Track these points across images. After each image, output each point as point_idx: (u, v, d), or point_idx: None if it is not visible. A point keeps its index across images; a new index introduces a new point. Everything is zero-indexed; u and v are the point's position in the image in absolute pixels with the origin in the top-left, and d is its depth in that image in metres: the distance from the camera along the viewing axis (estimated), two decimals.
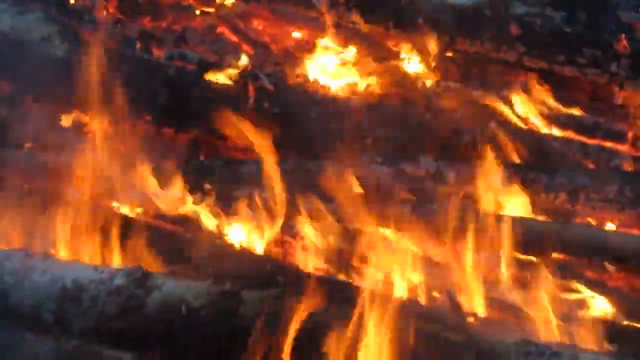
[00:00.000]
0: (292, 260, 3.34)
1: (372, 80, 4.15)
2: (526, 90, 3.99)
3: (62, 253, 3.00)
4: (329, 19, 4.29)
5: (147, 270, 2.82)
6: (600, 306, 3.25)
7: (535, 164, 3.72)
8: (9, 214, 3.12)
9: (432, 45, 4.12)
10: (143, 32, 4.47)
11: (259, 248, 3.32)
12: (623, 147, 3.82)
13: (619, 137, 3.85)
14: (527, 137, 3.84)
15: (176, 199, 3.46)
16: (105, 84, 3.76)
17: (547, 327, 2.96)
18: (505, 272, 3.18)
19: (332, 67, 4.26)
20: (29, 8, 4.18)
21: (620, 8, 3.97)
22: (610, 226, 3.58)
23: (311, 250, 3.35)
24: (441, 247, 3.15)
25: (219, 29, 4.51)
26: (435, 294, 3.07)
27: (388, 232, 3.34)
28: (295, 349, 2.58)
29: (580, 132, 3.89)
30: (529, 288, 3.18)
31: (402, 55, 4.21)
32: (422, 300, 2.98)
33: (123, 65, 3.96)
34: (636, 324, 3.18)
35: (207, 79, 3.96)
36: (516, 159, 3.74)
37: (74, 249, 3.01)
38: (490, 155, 3.58)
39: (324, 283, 2.97)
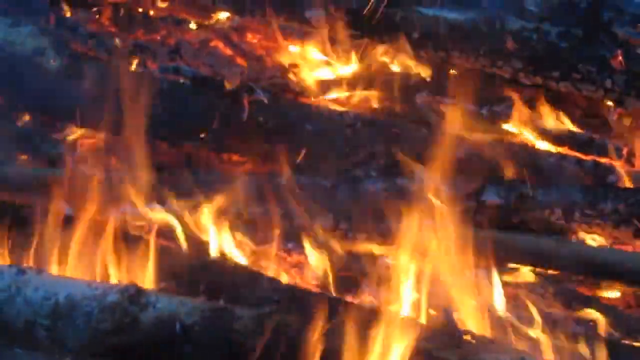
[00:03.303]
0: (286, 276, 3.32)
1: (367, 94, 4.15)
2: (521, 105, 3.98)
3: (55, 269, 2.98)
4: (323, 33, 4.29)
5: (141, 287, 2.80)
6: (595, 324, 3.25)
7: (530, 179, 3.71)
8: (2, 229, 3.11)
9: (427, 60, 4.12)
10: (137, 45, 4.46)
11: (253, 264, 3.30)
12: (618, 163, 3.82)
13: (614, 153, 3.84)
14: (522, 153, 3.83)
15: (170, 213, 3.44)
16: (98, 97, 3.75)
17: (543, 345, 2.96)
18: (500, 289, 3.17)
19: (327, 81, 4.25)
20: (23, 21, 4.17)
21: (616, 24, 3.97)
22: (604, 243, 3.57)
23: (306, 266, 3.34)
24: (437, 263, 3.13)
25: (213, 43, 4.50)
26: (432, 311, 3.06)
27: (384, 248, 3.34)
28: None
29: (576, 147, 3.89)
30: (525, 305, 3.18)
31: (397, 70, 4.20)
32: (418, 318, 2.96)
33: (116, 78, 3.95)
34: (631, 342, 3.18)
35: (201, 93, 3.95)
36: (511, 175, 3.74)
37: (68, 264, 2.99)
38: (486, 170, 3.59)
39: (320, 300, 2.96)
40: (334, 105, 4.09)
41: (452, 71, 4.14)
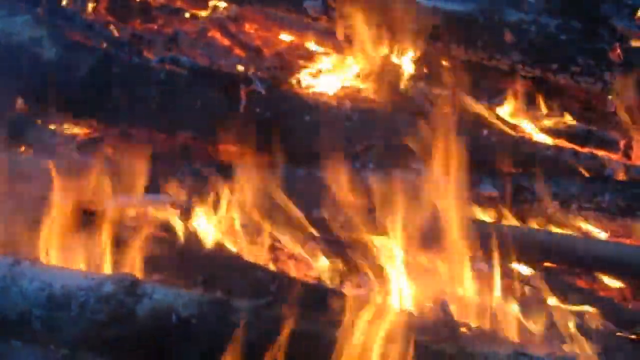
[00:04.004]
0: (283, 267, 3.32)
1: (364, 85, 4.14)
2: (519, 97, 3.98)
3: (51, 259, 2.97)
4: (321, 23, 4.28)
5: (137, 278, 2.80)
6: (592, 316, 3.25)
7: (527, 172, 3.71)
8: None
9: (425, 52, 4.11)
10: (134, 34, 4.45)
11: (250, 255, 3.30)
12: (615, 156, 3.82)
13: (612, 146, 3.84)
14: (519, 145, 3.83)
15: (166, 204, 3.44)
16: (95, 87, 3.74)
17: (539, 338, 2.96)
18: (497, 281, 3.17)
19: (324, 72, 4.24)
20: (19, 10, 4.15)
21: (615, 17, 3.96)
22: (602, 235, 3.57)
23: (302, 258, 3.34)
24: (434, 255, 3.13)
25: (211, 33, 4.49)
26: (428, 304, 3.06)
27: (380, 240, 3.33)
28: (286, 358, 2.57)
29: (573, 140, 3.89)
30: (521, 298, 3.18)
31: (395, 61, 4.19)
32: (415, 310, 2.97)
33: (113, 68, 3.94)
34: (628, 335, 3.18)
35: (198, 83, 3.94)
36: (508, 167, 3.73)
37: (63, 255, 2.98)
38: (482, 162, 3.58)
39: (316, 292, 2.96)
40: (331, 96, 4.08)
41: (449, 63, 4.13)
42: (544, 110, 4.00)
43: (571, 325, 3.08)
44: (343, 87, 4.16)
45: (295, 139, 3.78)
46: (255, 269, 3.13)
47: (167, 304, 2.71)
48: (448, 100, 3.97)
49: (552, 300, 3.26)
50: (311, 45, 4.35)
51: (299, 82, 4.16)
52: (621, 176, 3.72)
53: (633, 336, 3.15)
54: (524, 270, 3.40)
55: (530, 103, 3.98)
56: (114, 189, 3.40)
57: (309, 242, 3.35)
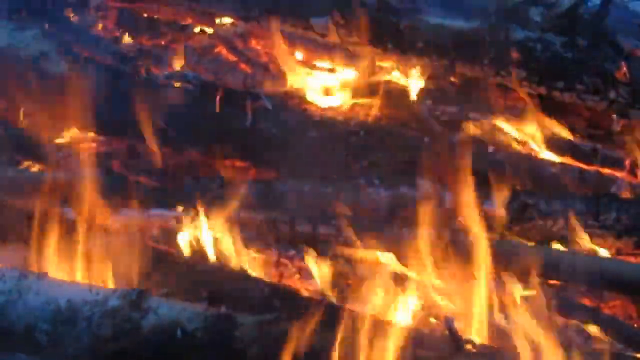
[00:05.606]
0: (288, 283, 3.32)
1: (371, 101, 4.15)
2: (524, 115, 3.98)
3: (57, 273, 2.97)
4: (328, 39, 4.29)
5: (142, 292, 2.80)
6: (596, 334, 3.24)
7: (533, 189, 3.71)
8: (4, 233, 3.11)
9: (431, 69, 4.12)
10: (141, 50, 4.47)
11: (255, 270, 3.30)
12: (621, 174, 3.81)
13: (617, 164, 3.85)
14: (524, 163, 3.83)
15: (172, 219, 3.44)
16: (102, 101, 3.76)
17: (544, 355, 2.95)
18: (502, 298, 3.17)
19: (331, 88, 4.25)
20: (27, 24, 4.17)
21: (621, 35, 3.96)
22: (606, 253, 3.56)
23: (308, 273, 3.34)
24: (439, 272, 3.13)
25: (218, 49, 4.51)
26: (433, 320, 3.06)
27: (385, 257, 3.34)
28: None
29: (578, 158, 3.89)
30: (525, 315, 3.17)
31: (401, 78, 4.20)
32: (419, 326, 2.96)
33: (120, 83, 3.96)
34: (632, 353, 3.17)
35: (205, 99, 3.95)
36: (513, 185, 3.73)
37: (69, 269, 2.98)
38: (488, 179, 3.58)
39: (321, 307, 2.96)
40: (337, 112, 4.09)
41: (455, 80, 4.14)
42: (549, 127, 4.00)
43: (575, 342, 3.08)
44: (349, 103, 4.17)
45: (302, 154, 3.79)
46: (261, 284, 3.13)
47: (172, 318, 2.71)
48: (453, 117, 3.98)
49: (556, 318, 3.25)
50: (318, 61, 4.36)
51: (305, 97, 4.17)
52: (626, 194, 3.72)
53: (638, 355, 3.14)
54: (529, 287, 3.40)
55: (535, 121, 3.98)
56: (119, 203, 3.41)
57: (313, 258, 3.35)
